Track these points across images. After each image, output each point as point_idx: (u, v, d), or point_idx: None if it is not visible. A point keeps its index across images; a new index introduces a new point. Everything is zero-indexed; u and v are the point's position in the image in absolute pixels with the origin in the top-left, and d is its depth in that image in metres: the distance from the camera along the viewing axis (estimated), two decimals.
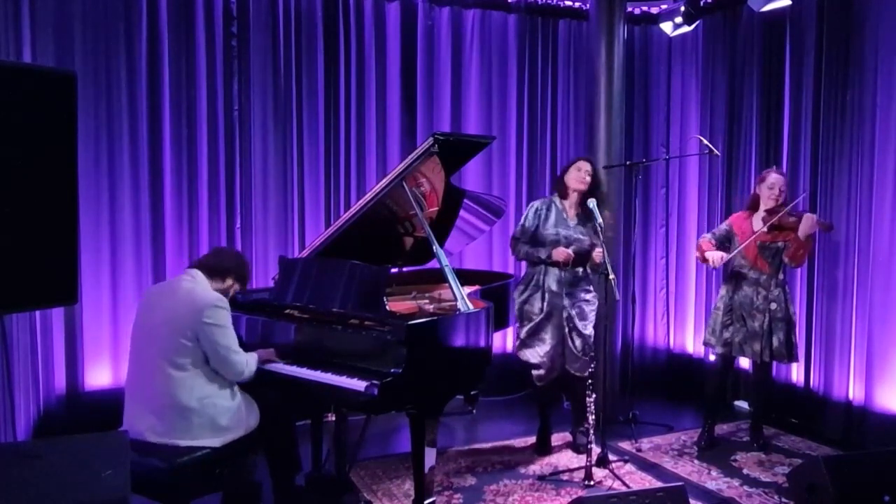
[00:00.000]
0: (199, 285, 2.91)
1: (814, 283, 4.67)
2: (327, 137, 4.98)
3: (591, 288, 4.08)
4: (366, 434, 3.80)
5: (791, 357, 4.25)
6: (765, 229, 4.11)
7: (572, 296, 3.99)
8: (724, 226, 4.37)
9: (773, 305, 4.15)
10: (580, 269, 3.99)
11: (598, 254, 3.90)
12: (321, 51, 4.92)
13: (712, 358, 4.57)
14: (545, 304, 3.97)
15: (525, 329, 4.03)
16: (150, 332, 2.84)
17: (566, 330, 3.98)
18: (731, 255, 4.17)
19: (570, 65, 5.65)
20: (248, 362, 2.92)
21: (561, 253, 3.93)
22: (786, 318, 4.18)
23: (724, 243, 4.28)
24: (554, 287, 3.96)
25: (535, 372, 4.05)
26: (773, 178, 4.18)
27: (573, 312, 3.98)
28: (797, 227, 4.02)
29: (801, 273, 4.71)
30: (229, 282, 3.04)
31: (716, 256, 4.17)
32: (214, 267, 3.00)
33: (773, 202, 4.14)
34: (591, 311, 4.05)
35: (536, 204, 4.10)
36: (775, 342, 4.16)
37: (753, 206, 4.26)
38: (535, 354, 4.01)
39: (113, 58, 4.41)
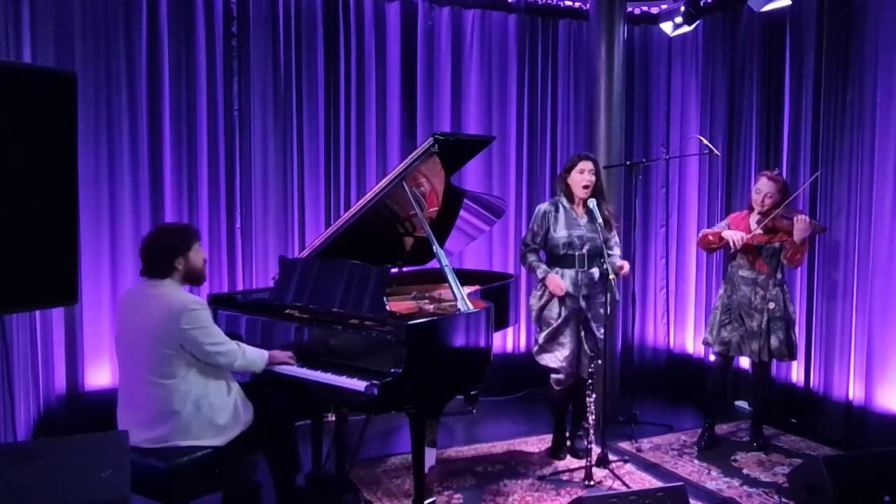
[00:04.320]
0: (170, 289, 2.79)
1: (814, 283, 4.66)
2: (327, 137, 4.98)
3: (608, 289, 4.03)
4: (366, 434, 3.80)
5: (792, 355, 4.26)
6: (759, 231, 4.12)
7: (589, 298, 3.95)
8: (722, 223, 4.38)
9: (772, 305, 4.16)
10: (596, 271, 3.94)
11: (624, 268, 3.95)
12: (321, 50, 4.92)
13: (712, 358, 4.57)
14: (563, 308, 3.93)
15: (543, 334, 3.99)
16: (131, 345, 2.79)
17: (582, 333, 3.95)
18: (750, 235, 4.11)
19: (570, 65, 5.65)
20: (241, 349, 2.88)
21: (553, 284, 3.90)
22: (784, 318, 4.18)
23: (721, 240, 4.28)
24: (571, 290, 3.93)
25: (554, 376, 4.03)
26: (761, 183, 4.18)
27: (589, 315, 3.95)
28: (791, 230, 4.02)
29: (800, 273, 4.71)
30: (180, 264, 2.79)
31: (735, 236, 4.12)
32: (161, 266, 2.78)
33: (759, 206, 4.16)
34: (605, 313, 4.01)
35: (543, 207, 4.04)
36: (774, 341, 4.16)
37: (751, 206, 4.26)
38: (555, 359, 3.97)
39: (113, 58, 4.41)
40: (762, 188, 4.16)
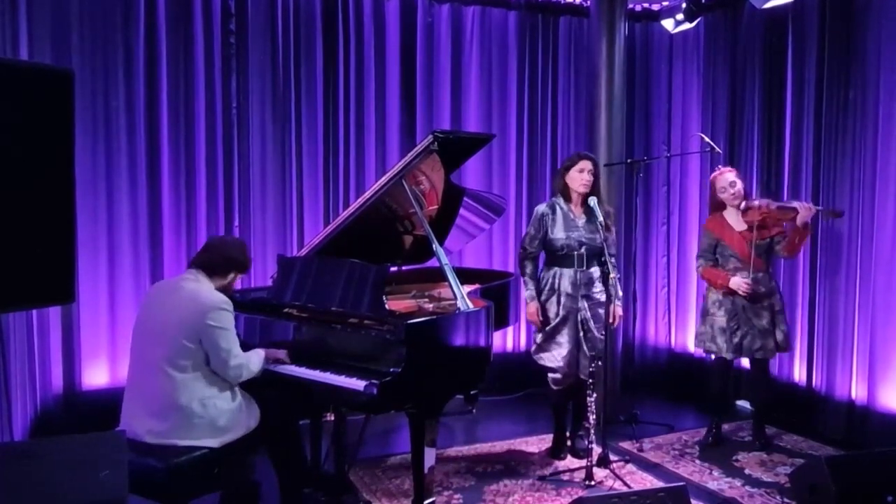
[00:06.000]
0: (203, 286, 2.87)
1: (816, 282, 4.65)
2: (326, 135, 4.96)
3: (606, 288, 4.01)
4: (365, 434, 3.78)
5: (791, 346, 4.35)
6: (755, 233, 4.11)
7: (588, 298, 3.93)
8: (704, 240, 4.33)
9: (773, 298, 4.19)
10: (595, 270, 3.92)
11: (617, 314, 4.02)
12: (320, 48, 4.90)
13: (713, 357, 4.54)
14: (560, 307, 3.91)
15: (541, 333, 3.98)
16: (152, 332, 2.82)
17: (581, 333, 3.92)
18: (748, 272, 4.11)
19: (571, 62, 5.63)
20: (248, 364, 2.88)
21: (529, 314, 3.97)
22: (781, 310, 4.23)
23: (713, 255, 4.28)
24: (569, 289, 3.91)
25: (551, 376, 4.01)
26: (721, 179, 4.21)
27: (588, 315, 3.92)
28: (793, 217, 4.01)
29: (802, 272, 4.70)
30: (232, 275, 3.00)
31: (741, 284, 4.09)
32: (216, 265, 2.94)
33: (736, 199, 4.16)
34: (604, 313, 3.98)
35: (541, 209, 4.00)
36: (779, 335, 4.19)
37: (719, 207, 4.26)
38: (553, 358, 3.95)
39: (110, 55, 4.39)
40: (726, 181, 4.18)
